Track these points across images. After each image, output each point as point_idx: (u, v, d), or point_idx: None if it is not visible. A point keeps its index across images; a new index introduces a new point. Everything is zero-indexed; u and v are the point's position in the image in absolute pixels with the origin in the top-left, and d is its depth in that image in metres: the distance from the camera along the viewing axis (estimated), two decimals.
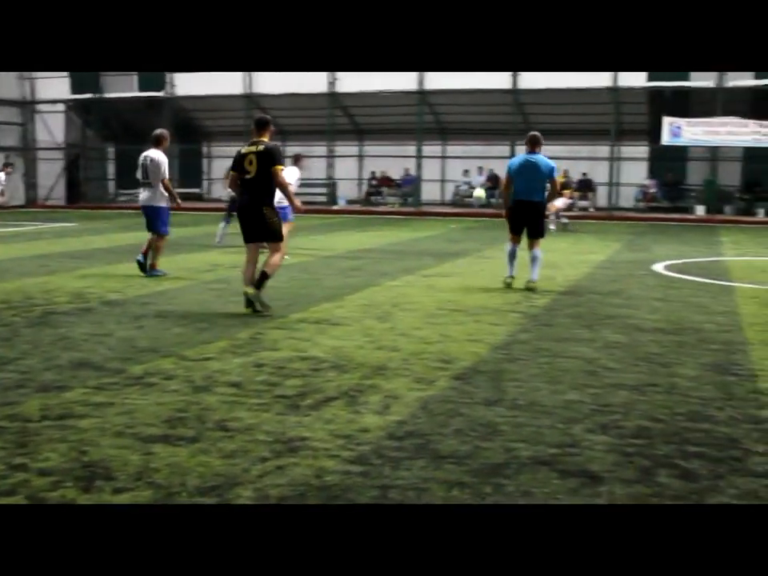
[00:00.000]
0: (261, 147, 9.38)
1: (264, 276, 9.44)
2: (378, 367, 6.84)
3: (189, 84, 34.11)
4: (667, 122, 28.54)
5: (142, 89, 35.56)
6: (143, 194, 13.20)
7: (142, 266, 12.54)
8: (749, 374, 6.76)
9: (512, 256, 11.60)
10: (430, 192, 33.71)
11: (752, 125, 27.99)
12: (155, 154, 12.95)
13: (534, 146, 11.46)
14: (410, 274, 12.95)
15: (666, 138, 28.57)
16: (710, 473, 4.55)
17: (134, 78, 35.68)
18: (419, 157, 32.13)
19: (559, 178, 21.43)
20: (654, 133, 29.97)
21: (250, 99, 34.11)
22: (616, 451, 4.88)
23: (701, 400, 5.98)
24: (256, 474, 4.46)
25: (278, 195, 11.62)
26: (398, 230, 22.88)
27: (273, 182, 9.41)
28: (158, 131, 13.35)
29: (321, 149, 33.97)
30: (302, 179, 22.08)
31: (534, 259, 11.41)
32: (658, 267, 14.14)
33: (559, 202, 22.15)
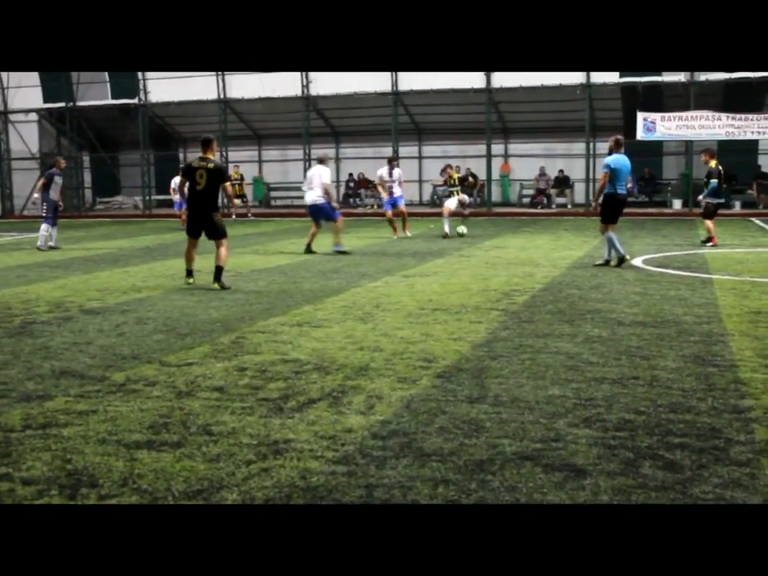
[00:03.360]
0: (210, 165, 11.73)
1: (220, 269, 11.76)
2: (360, 368, 6.85)
3: (162, 91, 34.01)
4: (641, 117, 28.70)
5: (115, 96, 35.39)
6: (309, 196, 16.89)
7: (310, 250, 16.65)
8: (729, 365, 6.81)
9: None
10: (407, 193, 33.70)
11: (725, 118, 28.19)
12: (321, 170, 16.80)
13: (620, 147, 13.64)
14: (390, 275, 12.97)
15: (640, 134, 28.72)
16: (693, 463, 4.59)
17: (107, 85, 35.49)
18: (395, 158, 32.10)
19: (453, 174, 22.00)
20: (628, 128, 30.11)
21: (225, 104, 34.02)
22: (599, 444, 4.90)
23: (682, 391, 6.03)
24: (241, 477, 4.45)
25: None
26: (376, 232, 22.89)
27: (218, 193, 11.94)
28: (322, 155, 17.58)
29: (297, 152, 33.94)
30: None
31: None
32: (637, 261, 14.21)
33: (452, 203, 21.25)
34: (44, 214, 18.82)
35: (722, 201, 18.46)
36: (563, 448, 4.85)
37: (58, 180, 19.03)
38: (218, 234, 11.89)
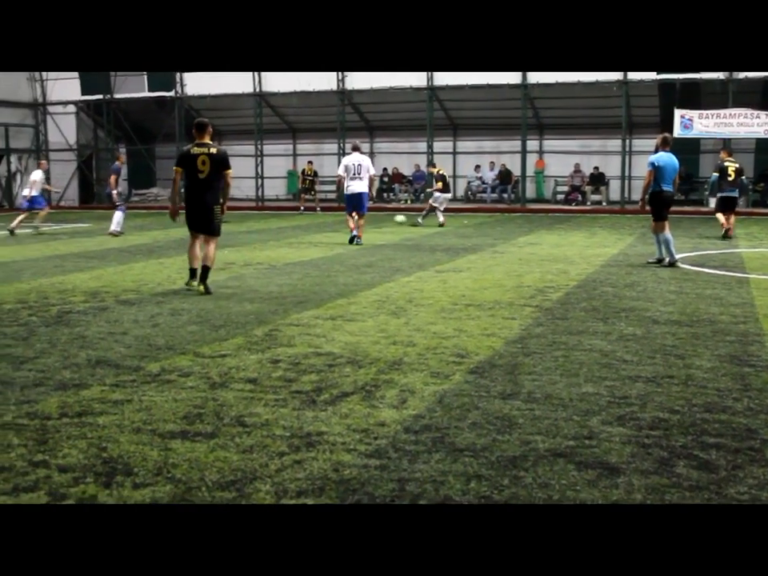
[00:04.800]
0: (213, 150, 10.70)
1: (208, 270, 10.77)
2: (393, 362, 6.86)
3: (198, 84, 34.17)
4: (678, 114, 28.42)
5: (151, 89, 35.58)
6: (358, 186, 17.58)
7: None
8: (765, 365, 6.74)
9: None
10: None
11: (763, 116, 27.86)
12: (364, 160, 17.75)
13: (666, 145, 13.62)
14: (424, 270, 12.96)
15: (677, 131, 28.42)
16: (728, 463, 4.55)
17: (144, 78, 35.70)
18: (430, 153, 32.08)
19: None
20: (665, 125, 29.83)
21: (260, 98, 34.13)
22: (633, 443, 4.88)
23: (718, 391, 5.98)
24: (274, 469, 4.48)
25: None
26: (410, 226, 22.87)
27: (221, 182, 10.75)
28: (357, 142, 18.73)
29: (332, 146, 33.99)
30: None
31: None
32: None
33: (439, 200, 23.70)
34: (118, 204, 20.87)
35: (727, 194, 18.69)
36: (597, 446, 4.82)
37: (122, 173, 21.12)
38: (213, 231, 10.86)
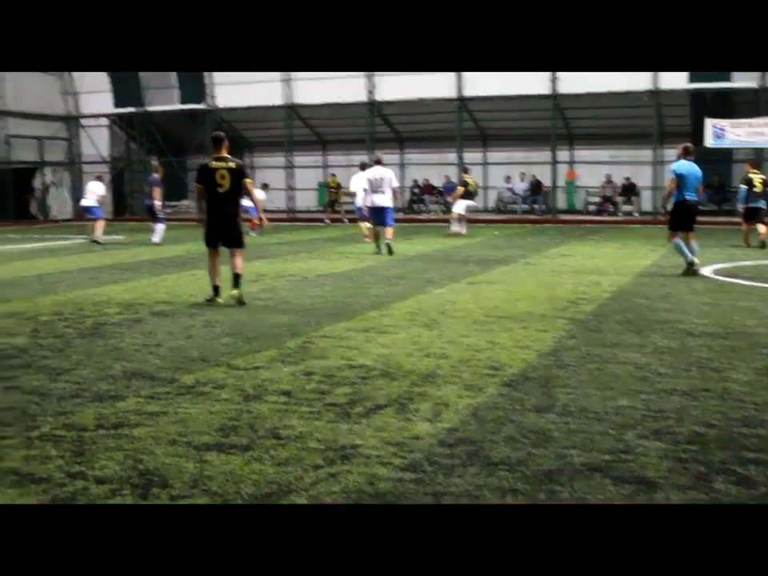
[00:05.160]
0: (231, 164, 10.87)
1: (239, 276, 10.88)
2: (427, 375, 6.85)
3: (229, 96, 34.42)
4: (710, 123, 28.20)
5: (183, 101, 35.88)
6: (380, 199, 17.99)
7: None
8: None
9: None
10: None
11: None
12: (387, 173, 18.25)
13: (689, 154, 13.73)
14: (456, 281, 12.94)
15: (709, 141, 28.23)
16: None
17: (175, 91, 36.02)
18: (461, 164, 32.08)
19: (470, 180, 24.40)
20: (696, 135, 29.63)
21: (290, 109, 34.30)
22: (670, 457, 4.83)
23: (755, 405, 5.91)
24: (309, 482, 4.48)
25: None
26: (441, 238, 22.86)
27: (241, 194, 11.04)
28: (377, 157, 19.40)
29: (362, 158, 34.05)
30: (344, 189, 23.41)
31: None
32: (707, 271, 13.98)
33: (460, 207, 23.97)
34: (161, 216, 22.06)
35: (753, 205, 19.02)
36: (633, 460, 4.79)
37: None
38: (238, 243, 11.03)
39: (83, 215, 24.19)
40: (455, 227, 23.68)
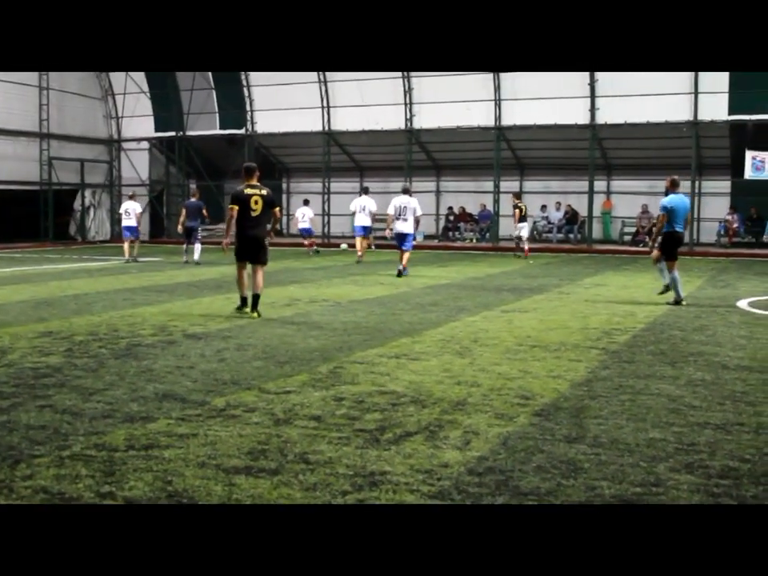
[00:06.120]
0: (264, 191, 12.10)
1: (257, 297, 11.92)
2: (457, 402, 6.83)
3: (268, 121, 34.75)
4: (750, 155, 28.01)
5: (223, 127, 36.26)
6: (402, 226, 19.54)
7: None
8: None
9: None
10: (507, 227, 33.63)
11: None
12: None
13: (676, 187, 14.14)
14: (489, 310, 12.91)
15: (748, 173, 28.03)
16: None
17: (216, 116, 36.42)
18: (497, 192, 32.09)
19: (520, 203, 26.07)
20: (736, 167, 29.45)
21: (329, 136, 34.52)
22: (702, 491, 4.77)
23: None
24: None
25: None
26: (475, 265, 22.84)
27: (268, 217, 12.23)
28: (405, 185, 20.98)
29: (398, 184, 34.14)
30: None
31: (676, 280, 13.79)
32: (743, 304, 13.84)
33: (525, 231, 26.41)
34: (200, 238, 23.78)
35: None
36: (664, 493, 4.73)
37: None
38: (263, 260, 12.15)
39: (121, 236, 25.19)
40: (526, 246, 26.05)
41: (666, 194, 14.30)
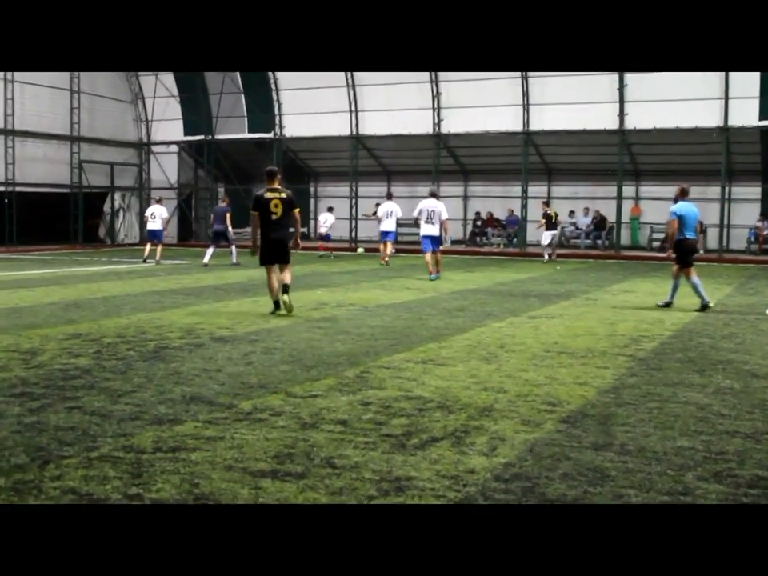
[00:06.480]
0: (284, 194, 12.46)
1: (287, 286, 12.38)
2: (484, 408, 6.82)
3: (297, 126, 34.88)
4: None
5: (251, 130, 36.43)
6: (429, 229, 19.84)
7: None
8: None
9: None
10: (535, 232, 33.54)
11: None
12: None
13: (685, 195, 14.25)
14: (516, 316, 12.88)
15: None
16: None
17: (244, 120, 36.60)
18: (524, 197, 32.01)
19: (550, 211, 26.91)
20: (766, 173, 29.20)
21: (357, 140, 34.59)
22: (730, 501, 4.73)
23: None
24: None
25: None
26: (502, 271, 22.80)
27: (291, 219, 12.55)
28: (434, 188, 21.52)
29: (426, 189, 34.14)
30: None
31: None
32: None
33: (547, 237, 27.18)
34: (234, 239, 24.79)
35: None
36: (692, 502, 4.70)
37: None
38: (287, 260, 12.56)
39: (149, 239, 25.69)
40: (547, 252, 27.15)
41: (675, 201, 14.32)
